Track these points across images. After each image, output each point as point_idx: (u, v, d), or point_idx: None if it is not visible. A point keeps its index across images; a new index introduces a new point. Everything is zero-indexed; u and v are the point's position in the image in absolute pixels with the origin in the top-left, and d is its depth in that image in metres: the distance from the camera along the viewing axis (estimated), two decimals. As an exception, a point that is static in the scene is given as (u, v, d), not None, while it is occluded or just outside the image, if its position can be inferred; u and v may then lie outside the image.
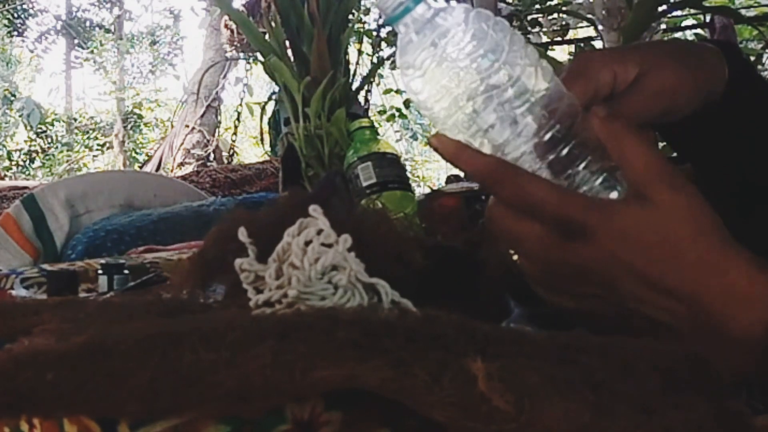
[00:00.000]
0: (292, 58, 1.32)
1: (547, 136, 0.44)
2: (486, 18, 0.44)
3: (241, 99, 5.69)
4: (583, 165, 0.45)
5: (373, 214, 0.48)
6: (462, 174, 1.61)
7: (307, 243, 0.43)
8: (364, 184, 0.97)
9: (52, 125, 10.54)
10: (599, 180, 0.45)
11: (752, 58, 4.27)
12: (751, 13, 4.05)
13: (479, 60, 0.43)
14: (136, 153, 9.70)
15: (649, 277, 0.41)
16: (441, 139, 0.45)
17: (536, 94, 0.44)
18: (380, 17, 4.91)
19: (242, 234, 0.46)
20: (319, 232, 0.43)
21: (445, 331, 0.33)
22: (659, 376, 0.31)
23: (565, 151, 0.45)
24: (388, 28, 4.92)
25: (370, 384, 0.31)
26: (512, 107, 0.44)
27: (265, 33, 1.36)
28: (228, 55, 5.93)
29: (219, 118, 6.48)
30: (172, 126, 6.69)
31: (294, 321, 0.35)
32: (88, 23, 11.36)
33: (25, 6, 10.93)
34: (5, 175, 7.97)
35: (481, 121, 0.44)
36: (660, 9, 1.54)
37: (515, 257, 0.47)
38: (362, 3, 4.63)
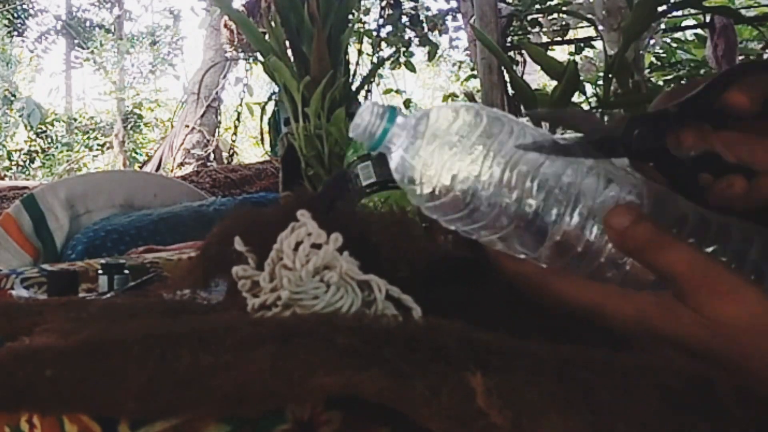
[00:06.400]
0: (292, 58, 1.32)
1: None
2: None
3: (241, 99, 5.70)
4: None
5: (381, 216, 0.48)
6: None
7: (299, 244, 0.43)
8: (364, 183, 0.97)
9: (52, 125, 10.55)
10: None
11: (752, 58, 4.27)
12: (751, 13, 4.04)
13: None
14: (136, 153, 9.71)
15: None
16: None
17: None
18: (380, 18, 4.90)
19: (239, 243, 0.46)
20: (310, 233, 0.43)
21: (446, 342, 0.33)
22: (662, 395, 0.31)
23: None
24: (388, 28, 4.92)
25: (368, 392, 0.30)
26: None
27: (265, 33, 1.36)
28: (228, 55, 5.93)
29: (219, 118, 6.49)
30: (172, 126, 6.70)
31: (294, 326, 0.35)
32: (88, 23, 11.36)
33: (25, 6, 10.93)
34: (5, 175, 7.98)
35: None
36: (660, 9, 1.54)
37: None
38: (362, 3, 4.64)
